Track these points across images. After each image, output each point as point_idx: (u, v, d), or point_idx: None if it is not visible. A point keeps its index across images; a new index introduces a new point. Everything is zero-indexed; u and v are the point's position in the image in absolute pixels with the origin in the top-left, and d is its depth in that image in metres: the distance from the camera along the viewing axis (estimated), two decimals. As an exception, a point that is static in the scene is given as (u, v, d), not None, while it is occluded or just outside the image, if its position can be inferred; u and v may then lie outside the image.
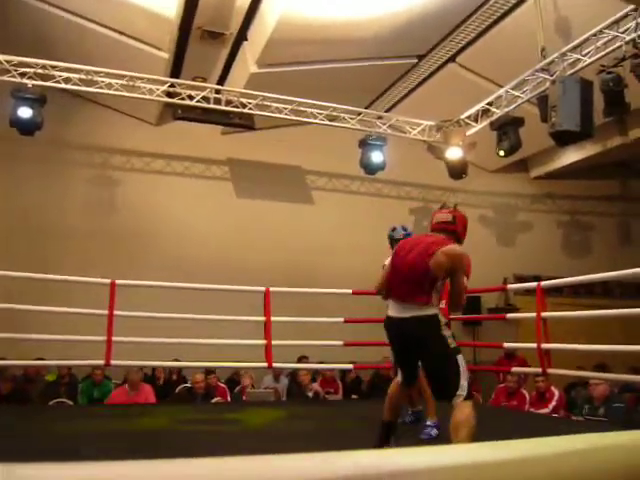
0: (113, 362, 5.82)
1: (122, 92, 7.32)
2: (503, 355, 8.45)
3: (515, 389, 6.59)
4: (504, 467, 0.94)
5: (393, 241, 4.33)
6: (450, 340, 2.92)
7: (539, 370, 5.65)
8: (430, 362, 2.98)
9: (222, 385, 6.98)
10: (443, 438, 3.92)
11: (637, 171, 11.54)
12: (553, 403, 6.25)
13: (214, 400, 6.39)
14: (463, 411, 2.80)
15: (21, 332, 6.19)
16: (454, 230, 3.12)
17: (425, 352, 2.97)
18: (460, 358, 2.92)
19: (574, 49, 6.26)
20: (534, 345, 5.61)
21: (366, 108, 8.92)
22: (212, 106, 7.70)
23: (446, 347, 2.90)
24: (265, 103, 7.84)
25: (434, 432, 3.96)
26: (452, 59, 8.25)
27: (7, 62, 6.91)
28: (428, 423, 4.04)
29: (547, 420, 5.61)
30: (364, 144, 8.54)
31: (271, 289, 6.32)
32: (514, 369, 6.72)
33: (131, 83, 7.31)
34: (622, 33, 5.74)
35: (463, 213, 3.23)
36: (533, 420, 5.52)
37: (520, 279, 9.86)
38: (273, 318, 6.19)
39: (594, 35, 6.01)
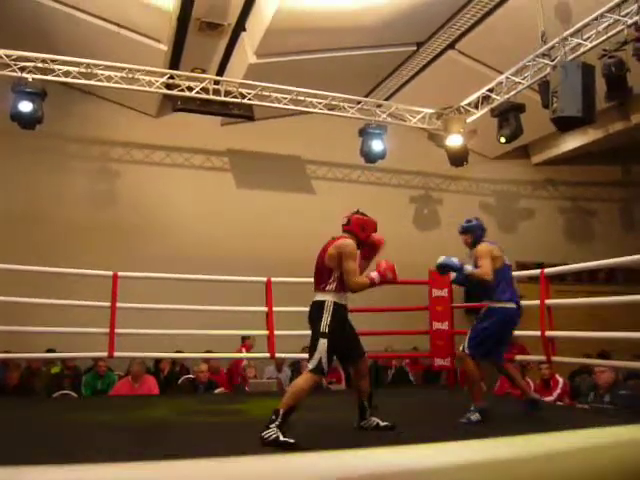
0: (116, 354, 5.84)
1: (121, 84, 7.30)
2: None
3: (519, 377, 6.58)
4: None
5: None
6: (324, 324, 3.53)
7: (543, 358, 5.65)
8: (311, 337, 3.61)
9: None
10: (485, 424, 3.92)
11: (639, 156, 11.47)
12: (557, 391, 6.24)
13: (217, 391, 6.40)
14: (300, 378, 3.56)
15: (23, 325, 6.19)
16: (350, 230, 3.80)
17: (312, 329, 3.64)
18: (321, 341, 3.49)
19: (575, 33, 6.20)
20: (538, 333, 5.61)
21: (366, 97, 8.87)
22: (211, 97, 7.67)
23: (318, 328, 3.54)
24: (264, 93, 7.80)
25: (474, 417, 4.02)
26: (451, 46, 8.18)
27: (7, 57, 6.89)
28: (471, 408, 4.09)
29: (552, 408, 5.60)
30: (364, 133, 8.51)
31: (272, 279, 6.31)
32: (518, 357, 6.72)
33: (130, 75, 7.28)
34: (624, 16, 5.67)
35: (362, 216, 3.84)
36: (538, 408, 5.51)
37: (522, 266, 9.80)
38: (275, 308, 6.19)
39: (595, 19, 5.95)
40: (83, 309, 6.25)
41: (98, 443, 3.42)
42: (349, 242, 3.70)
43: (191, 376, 6.88)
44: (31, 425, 4.06)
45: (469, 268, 4.24)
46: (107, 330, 5.72)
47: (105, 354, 5.85)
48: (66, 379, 7.14)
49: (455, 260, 4.23)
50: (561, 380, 6.40)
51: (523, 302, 4.64)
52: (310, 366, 3.54)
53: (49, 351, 7.07)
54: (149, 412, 4.60)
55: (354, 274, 3.61)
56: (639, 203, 11.68)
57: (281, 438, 3.29)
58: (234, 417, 4.46)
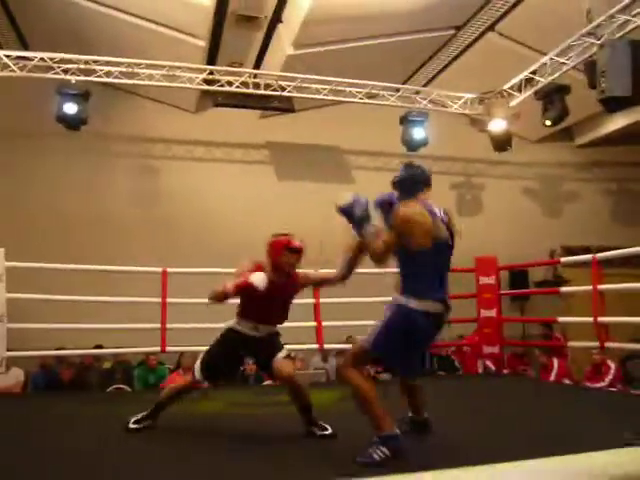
0: (168, 348, 5.97)
1: (162, 82, 7.39)
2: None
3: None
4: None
5: None
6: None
7: (596, 344, 5.55)
8: None
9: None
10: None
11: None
12: (609, 377, 6.14)
13: (265, 383, 6.47)
14: None
15: (75, 322, 6.27)
16: None
17: None
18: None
19: (623, 10, 6.00)
20: (589, 319, 5.51)
21: (404, 83, 8.77)
22: (252, 91, 7.71)
23: None
24: (303, 85, 7.80)
25: None
26: (491, 28, 8.01)
27: (50, 60, 7.04)
28: None
29: (605, 395, 5.51)
30: (405, 121, 8.45)
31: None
32: (570, 343, 6.62)
33: (171, 73, 7.37)
34: (674, -10, 5.48)
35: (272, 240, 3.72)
36: (590, 395, 5.44)
37: (568, 250, 9.63)
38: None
39: (643, -6, 5.76)
40: (133, 305, 6.36)
41: (158, 435, 3.53)
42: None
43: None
44: (90, 418, 4.18)
45: (370, 229, 3.01)
46: (159, 325, 5.84)
47: (158, 349, 5.98)
48: (118, 373, 7.30)
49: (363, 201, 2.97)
50: (613, 366, 6.29)
51: (575, 288, 4.49)
52: None
53: (97, 347, 7.23)
54: (202, 404, 4.69)
55: None
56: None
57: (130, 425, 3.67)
58: (284, 408, 4.50)
